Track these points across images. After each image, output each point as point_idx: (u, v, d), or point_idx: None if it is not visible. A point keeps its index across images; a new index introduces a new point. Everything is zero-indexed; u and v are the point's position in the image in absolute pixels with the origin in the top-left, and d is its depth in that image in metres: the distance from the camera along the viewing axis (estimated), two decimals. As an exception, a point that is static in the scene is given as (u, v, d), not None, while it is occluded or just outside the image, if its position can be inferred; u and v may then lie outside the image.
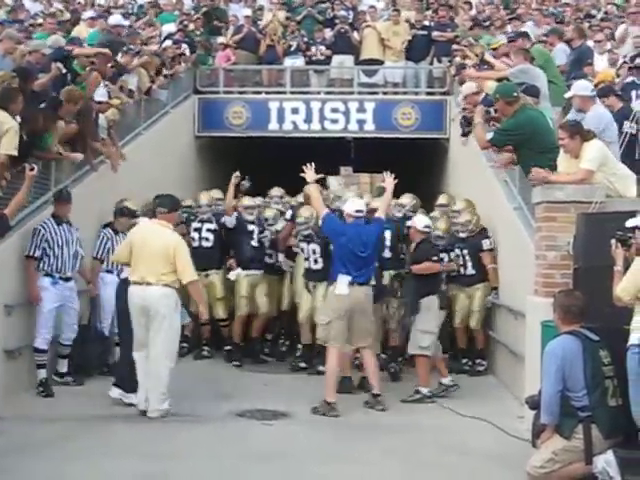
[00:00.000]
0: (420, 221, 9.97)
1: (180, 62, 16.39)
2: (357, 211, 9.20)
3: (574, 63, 12.76)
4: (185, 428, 7.96)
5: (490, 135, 9.47)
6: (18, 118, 9.10)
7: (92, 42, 14.55)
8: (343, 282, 8.82)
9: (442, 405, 9.03)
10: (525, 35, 12.95)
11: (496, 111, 9.81)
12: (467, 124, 10.83)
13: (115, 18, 15.93)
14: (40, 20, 16.81)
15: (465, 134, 12.58)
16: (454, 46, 15.94)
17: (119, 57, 13.43)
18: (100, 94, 11.76)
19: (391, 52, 17.57)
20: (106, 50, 12.15)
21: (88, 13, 17.69)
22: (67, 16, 17.73)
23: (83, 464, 6.79)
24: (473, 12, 19.00)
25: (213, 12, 19.20)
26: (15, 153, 8.74)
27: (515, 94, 9.35)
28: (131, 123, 13.55)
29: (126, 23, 16.21)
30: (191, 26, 17.89)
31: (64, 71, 11.27)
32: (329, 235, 9.44)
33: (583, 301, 6.46)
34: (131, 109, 13.56)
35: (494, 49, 13.45)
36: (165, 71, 15.45)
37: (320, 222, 9.46)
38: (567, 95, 9.89)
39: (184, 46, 16.81)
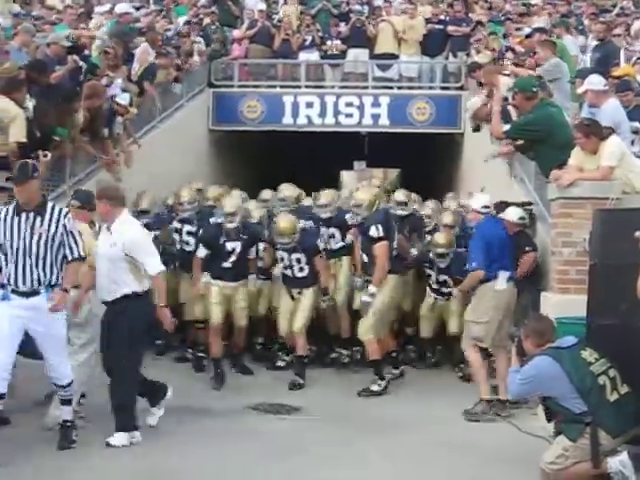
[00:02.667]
0: (515, 214, 9.24)
1: (194, 55, 16.42)
2: (484, 207, 8.95)
3: (600, 61, 12.55)
4: (197, 422, 7.96)
5: (507, 127, 9.37)
6: (30, 107, 9.15)
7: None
8: (503, 277, 8.48)
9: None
10: (542, 30, 12.87)
11: (514, 98, 9.68)
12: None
13: (122, 7, 15.94)
14: (54, 16, 16.85)
15: (476, 129, 12.42)
16: (474, 38, 15.92)
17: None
18: (122, 97, 11.72)
19: (406, 46, 17.52)
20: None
21: (104, 7, 17.72)
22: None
23: (92, 460, 6.77)
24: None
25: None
26: (24, 140, 8.72)
27: (534, 89, 9.25)
28: (145, 116, 13.56)
29: (133, 11, 16.19)
30: (206, 20, 17.87)
31: (80, 63, 11.31)
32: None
33: (550, 321, 6.60)
34: (146, 102, 13.58)
35: (519, 42, 13.32)
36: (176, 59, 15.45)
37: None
38: (580, 90, 9.82)
39: (199, 39, 16.83)
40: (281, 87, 17.66)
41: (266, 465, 6.76)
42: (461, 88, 16.81)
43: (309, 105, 17.13)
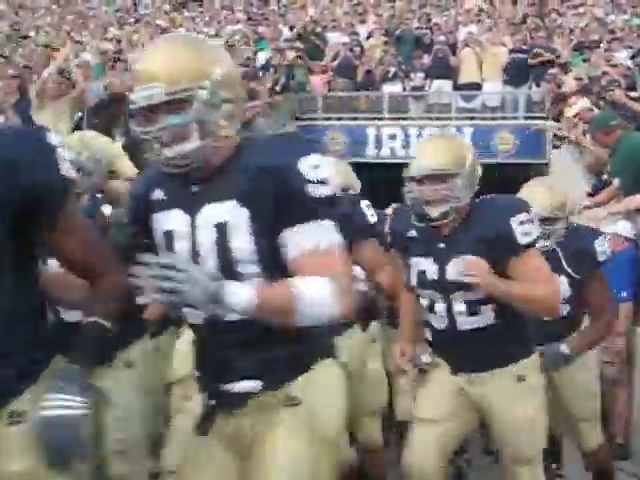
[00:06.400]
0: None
1: (278, 90, 16.64)
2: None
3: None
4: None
5: (617, 182, 8.64)
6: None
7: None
8: None
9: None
10: None
11: (595, 137, 9.36)
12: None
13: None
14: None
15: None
16: (550, 70, 15.78)
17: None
18: None
19: (489, 74, 17.48)
20: None
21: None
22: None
23: None
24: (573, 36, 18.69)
25: (312, 35, 19.35)
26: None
27: (612, 123, 8.94)
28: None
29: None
30: (290, 54, 18.06)
31: None
32: None
33: None
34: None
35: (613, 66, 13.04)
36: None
37: None
38: None
39: (283, 74, 17.06)
40: (364, 119, 17.75)
41: None
42: (545, 118, 16.65)
43: (392, 137, 17.16)
